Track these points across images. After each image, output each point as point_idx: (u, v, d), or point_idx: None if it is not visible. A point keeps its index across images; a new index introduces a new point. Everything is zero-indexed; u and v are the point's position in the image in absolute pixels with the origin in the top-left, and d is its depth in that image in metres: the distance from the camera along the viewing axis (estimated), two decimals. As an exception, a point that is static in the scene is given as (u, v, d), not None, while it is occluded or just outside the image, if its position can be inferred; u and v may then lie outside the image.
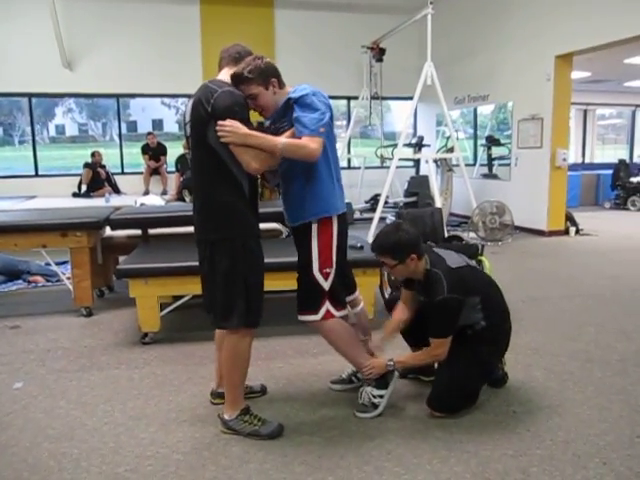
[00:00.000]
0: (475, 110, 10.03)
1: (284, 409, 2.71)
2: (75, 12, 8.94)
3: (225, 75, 2.41)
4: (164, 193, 9.19)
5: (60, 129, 23.84)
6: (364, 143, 13.77)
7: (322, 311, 2.49)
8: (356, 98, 9.97)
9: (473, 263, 2.75)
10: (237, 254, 2.31)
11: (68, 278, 4.55)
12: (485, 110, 9.95)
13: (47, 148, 18.84)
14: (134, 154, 10.48)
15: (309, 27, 10.07)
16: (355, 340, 2.65)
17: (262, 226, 4.68)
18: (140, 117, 20.49)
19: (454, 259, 2.61)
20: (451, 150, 8.32)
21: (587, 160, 13.79)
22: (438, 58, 7.09)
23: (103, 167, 9.26)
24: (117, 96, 9.85)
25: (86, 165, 9.01)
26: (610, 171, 11.63)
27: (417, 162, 9.65)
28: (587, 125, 13.59)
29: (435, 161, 8.76)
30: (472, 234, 7.06)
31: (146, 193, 9.02)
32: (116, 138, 12.38)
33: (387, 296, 4.02)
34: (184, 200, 7.91)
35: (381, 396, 2.62)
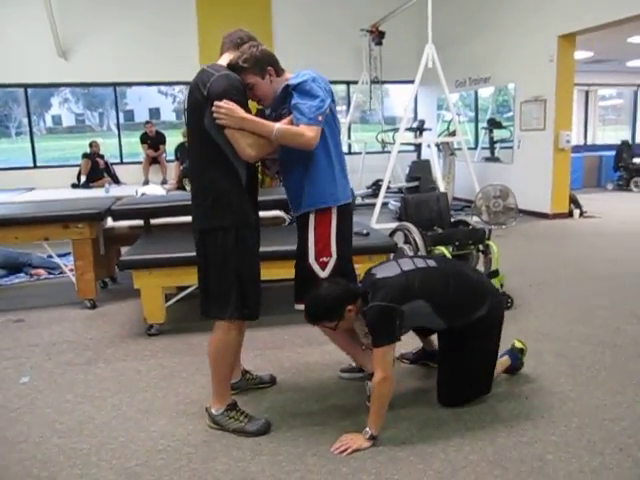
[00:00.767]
0: (476, 93, 9.92)
1: (294, 399, 2.68)
2: (69, 0, 8.80)
3: (225, 60, 2.35)
4: (164, 182, 9.12)
5: (57, 120, 23.67)
6: (363, 128, 13.67)
7: None
8: (355, 83, 9.87)
9: (425, 263, 2.50)
10: (229, 244, 2.25)
11: (71, 270, 4.51)
12: (484, 93, 9.85)
13: (44, 139, 18.70)
14: (133, 143, 10.39)
15: (307, 10, 9.92)
16: (349, 335, 2.60)
17: (264, 214, 4.66)
18: (137, 106, 20.33)
19: (387, 270, 2.44)
20: (453, 134, 8.23)
21: (589, 142, 13.68)
22: (438, 40, 6.97)
23: (102, 157, 9.17)
24: (114, 85, 9.74)
25: (84, 155, 8.92)
26: (612, 152, 11.54)
27: (418, 146, 9.56)
28: (589, 106, 13.46)
29: (437, 145, 8.68)
30: (475, 218, 7.00)
31: (146, 183, 8.95)
32: (113, 128, 12.29)
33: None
34: (184, 189, 7.84)
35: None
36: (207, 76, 2.20)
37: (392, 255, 3.98)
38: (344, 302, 2.33)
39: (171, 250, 3.58)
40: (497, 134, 9.45)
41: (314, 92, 2.21)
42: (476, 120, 10.19)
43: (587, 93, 13.23)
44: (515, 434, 2.30)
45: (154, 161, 9.61)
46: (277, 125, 2.20)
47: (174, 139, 9.67)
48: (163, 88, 18.68)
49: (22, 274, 5.32)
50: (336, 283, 2.37)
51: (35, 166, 9.57)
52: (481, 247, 4.11)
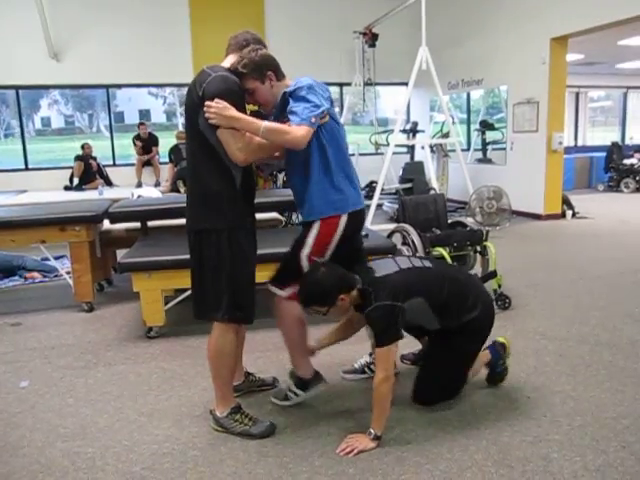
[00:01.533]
0: (468, 95, 9.99)
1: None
2: (61, 1, 8.74)
3: (228, 62, 2.35)
4: (157, 184, 9.08)
5: (46, 121, 23.48)
6: (355, 130, 13.71)
7: (288, 290, 2.42)
8: (349, 85, 9.89)
9: (421, 263, 2.53)
10: (223, 246, 2.25)
11: (67, 273, 4.48)
12: (475, 95, 9.91)
13: (34, 141, 18.58)
14: (125, 145, 10.34)
15: (300, 12, 9.93)
16: (303, 340, 2.57)
17: (261, 216, 4.65)
18: (127, 108, 20.24)
19: (386, 266, 2.45)
20: (446, 135, 8.28)
21: (580, 143, 13.81)
22: (431, 42, 7.02)
23: (94, 159, 9.12)
24: (106, 86, 9.69)
25: (77, 158, 8.87)
26: (603, 154, 11.66)
27: (411, 148, 9.60)
28: (579, 108, 13.58)
29: (431, 147, 8.72)
30: (470, 219, 7.04)
31: (139, 185, 8.91)
32: (103, 129, 12.22)
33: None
34: (178, 191, 7.82)
35: (296, 394, 2.60)
36: (204, 77, 2.20)
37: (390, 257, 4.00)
38: (339, 290, 2.32)
39: (170, 253, 3.56)
40: (489, 136, 9.52)
41: (309, 97, 2.20)
42: (468, 122, 10.25)
43: (577, 95, 13.35)
44: (519, 433, 2.32)
45: (147, 163, 9.57)
46: (265, 122, 2.17)
47: (166, 141, 9.63)
48: (153, 90, 18.62)
49: (16, 277, 5.27)
50: (334, 269, 2.34)
51: (27, 168, 9.49)
52: (478, 248, 4.14)
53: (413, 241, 4.00)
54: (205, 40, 9.10)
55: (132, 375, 3.05)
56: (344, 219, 2.37)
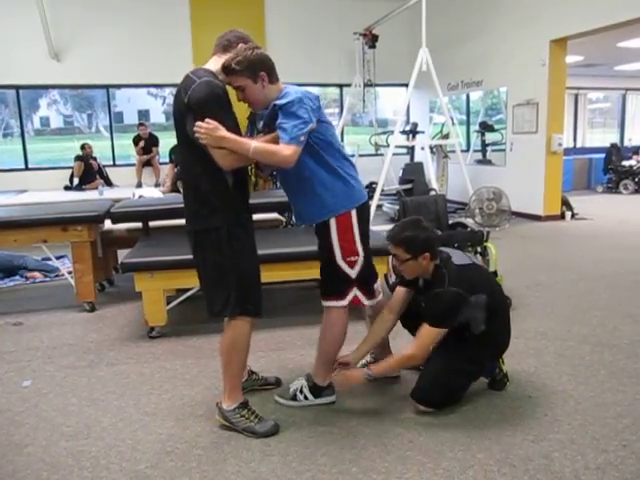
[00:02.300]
0: (468, 96, 10.01)
1: (300, 400, 2.69)
2: (62, 1, 8.75)
3: (211, 64, 2.35)
4: (157, 185, 9.08)
5: (44, 121, 23.43)
6: (354, 131, 13.73)
7: (349, 297, 2.47)
8: (348, 86, 9.89)
9: (478, 261, 2.73)
10: (223, 243, 2.28)
11: (69, 272, 4.49)
12: (474, 96, 9.93)
13: (33, 140, 18.55)
14: (125, 146, 10.33)
15: (300, 13, 9.95)
16: (336, 353, 2.60)
17: (262, 216, 4.65)
18: (126, 108, 20.20)
19: (460, 257, 2.59)
20: (446, 136, 8.30)
21: (579, 144, 13.84)
22: (431, 44, 7.02)
23: (94, 159, 9.13)
24: (107, 87, 9.69)
25: (78, 158, 8.86)
26: (602, 155, 11.69)
27: (411, 149, 9.62)
28: (578, 109, 13.61)
29: (431, 148, 8.74)
30: (469, 220, 7.06)
31: (139, 185, 8.92)
32: (102, 130, 12.20)
33: (391, 283, 4.00)
34: (179, 191, 7.82)
35: (306, 398, 2.61)
36: (189, 83, 2.21)
37: (391, 257, 4.01)
38: (428, 247, 2.44)
39: (172, 253, 3.57)
40: (489, 137, 9.54)
41: (299, 113, 2.20)
42: (468, 123, 10.27)
43: (577, 97, 13.39)
44: (521, 432, 2.34)
45: (147, 163, 9.57)
46: (254, 144, 2.19)
47: (166, 141, 9.63)
48: (153, 90, 18.58)
49: (17, 277, 5.28)
50: (431, 229, 2.53)
51: (27, 168, 9.49)
52: (479, 249, 4.16)
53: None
54: (205, 41, 8.98)
55: (135, 375, 3.07)
56: (354, 213, 2.41)
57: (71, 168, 8.95)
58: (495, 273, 3.97)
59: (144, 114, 20.13)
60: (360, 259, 2.45)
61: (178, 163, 2.48)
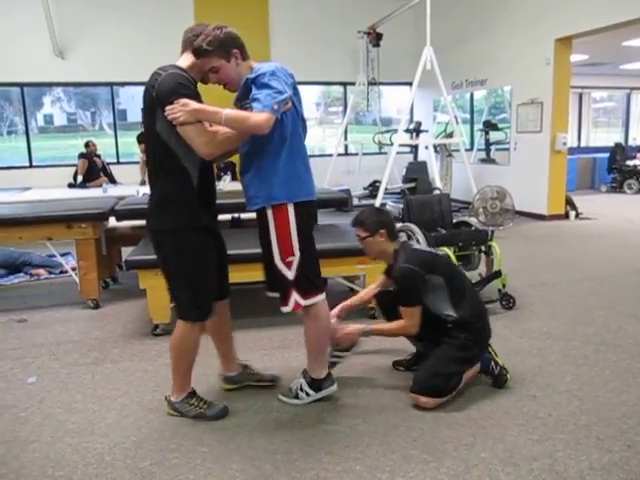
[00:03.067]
0: (471, 95, 9.99)
1: (304, 399, 2.69)
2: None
3: (182, 61, 2.36)
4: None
5: (48, 119, 23.45)
6: (357, 129, 13.72)
7: (291, 303, 2.44)
8: (352, 84, 9.89)
9: (441, 253, 2.95)
10: (177, 247, 2.31)
11: (73, 269, 4.50)
12: (478, 95, 9.91)
13: (36, 138, 18.59)
14: (128, 143, 10.33)
15: (304, 12, 9.93)
16: (328, 335, 2.62)
17: (249, 215, 4.62)
18: (130, 105, 20.21)
19: (420, 246, 2.94)
20: (451, 135, 8.28)
21: (583, 144, 13.80)
22: (435, 42, 7.02)
23: (98, 157, 9.14)
24: (111, 84, 9.70)
25: (82, 155, 8.88)
26: (606, 154, 11.65)
27: (415, 148, 9.60)
28: (583, 109, 13.57)
29: (435, 147, 8.73)
30: (473, 219, 7.05)
31: (143, 183, 8.92)
32: (106, 127, 12.20)
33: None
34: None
35: (308, 394, 2.62)
36: (156, 77, 2.23)
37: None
38: (384, 225, 2.69)
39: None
40: (493, 136, 9.51)
41: (271, 84, 2.18)
42: (471, 122, 10.25)
43: (581, 96, 13.34)
44: (525, 432, 2.34)
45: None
46: (226, 110, 2.18)
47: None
48: (157, 88, 18.57)
49: (22, 274, 5.30)
50: (391, 215, 2.84)
51: (31, 165, 9.52)
52: (483, 248, 4.15)
53: (418, 240, 4.01)
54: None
55: (139, 372, 3.07)
56: (292, 207, 2.35)
57: (75, 166, 8.97)
58: (499, 272, 3.97)
59: (147, 112, 20.12)
60: (296, 258, 2.39)
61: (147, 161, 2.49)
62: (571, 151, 11.69)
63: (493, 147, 9.53)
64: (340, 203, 4.78)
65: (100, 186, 8.29)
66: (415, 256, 2.66)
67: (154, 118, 2.22)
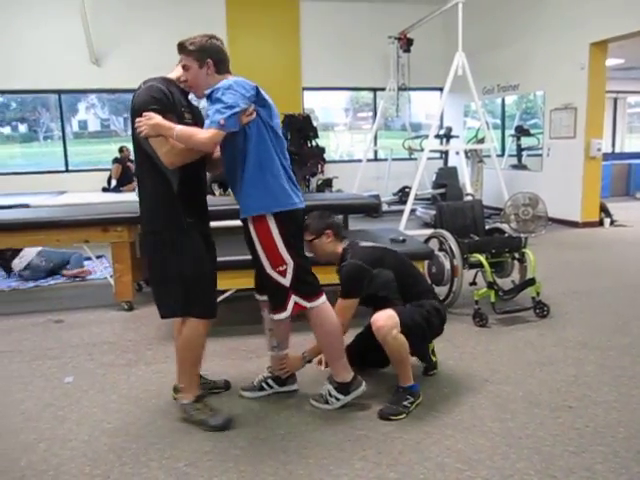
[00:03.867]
0: (503, 100, 9.87)
1: (336, 404, 2.69)
2: (103, 8, 8.98)
3: (174, 72, 2.48)
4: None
5: (82, 124, 24.03)
6: (386, 134, 13.68)
7: (289, 307, 2.46)
8: (382, 89, 9.88)
9: (391, 248, 2.98)
10: (165, 247, 2.38)
11: (105, 268, 4.59)
12: (508, 100, 9.78)
13: (72, 143, 19.06)
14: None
15: (335, 17, 9.97)
16: (340, 334, 2.60)
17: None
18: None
19: (367, 242, 2.90)
20: (482, 141, 8.20)
21: (617, 149, 13.50)
22: (466, 47, 6.98)
23: (132, 162, 9.31)
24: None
25: (116, 160, 9.07)
26: (642, 161, 11.39)
27: (445, 153, 9.54)
28: (617, 114, 13.29)
29: (466, 152, 8.65)
30: (505, 226, 6.96)
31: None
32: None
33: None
34: (213, 194, 7.93)
35: (337, 399, 2.62)
36: (138, 88, 2.37)
37: (427, 262, 3.99)
38: (329, 226, 2.77)
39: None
40: (524, 142, 9.38)
41: (222, 98, 2.21)
42: (503, 127, 10.13)
43: (615, 100, 13.07)
44: (561, 443, 2.29)
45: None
46: (178, 127, 2.22)
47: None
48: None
49: (58, 276, 5.43)
50: (334, 219, 2.85)
51: (67, 170, 9.77)
52: (517, 255, 4.09)
53: (450, 247, 3.98)
54: (241, 47, 9.23)
55: (172, 374, 3.05)
56: (272, 218, 2.37)
57: (108, 170, 9.17)
58: (533, 280, 3.90)
59: (178, 117, 20.43)
60: (290, 266, 2.41)
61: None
62: (605, 157, 11.43)
63: (525, 153, 9.39)
64: (370, 209, 4.79)
65: (133, 190, 8.44)
66: (362, 252, 2.73)
67: (134, 125, 2.34)
